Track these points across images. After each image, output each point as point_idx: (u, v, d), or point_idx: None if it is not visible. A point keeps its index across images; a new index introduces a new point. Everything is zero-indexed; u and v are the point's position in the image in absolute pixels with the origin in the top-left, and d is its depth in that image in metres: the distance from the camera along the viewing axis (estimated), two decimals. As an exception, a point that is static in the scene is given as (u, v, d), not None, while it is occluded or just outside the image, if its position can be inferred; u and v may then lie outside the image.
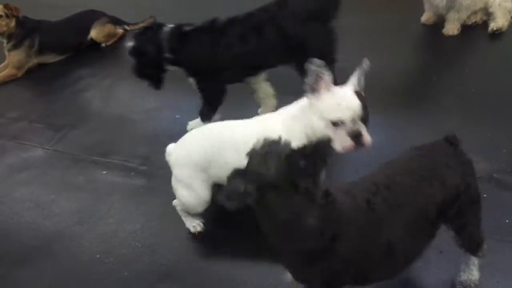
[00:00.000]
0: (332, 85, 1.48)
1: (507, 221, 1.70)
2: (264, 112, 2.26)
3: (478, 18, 2.87)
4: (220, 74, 2.13)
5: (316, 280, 1.19)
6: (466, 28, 2.89)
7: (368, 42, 2.93)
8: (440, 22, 2.96)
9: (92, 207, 2.05)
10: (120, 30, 3.57)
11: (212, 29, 2.08)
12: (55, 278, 1.76)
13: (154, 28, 2.14)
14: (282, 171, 1.00)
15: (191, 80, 2.19)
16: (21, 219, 2.06)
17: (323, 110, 1.46)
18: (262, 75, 2.27)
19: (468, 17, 2.82)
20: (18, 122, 2.77)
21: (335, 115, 1.43)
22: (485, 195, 1.75)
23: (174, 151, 1.73)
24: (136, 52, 2.12)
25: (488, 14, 2.82)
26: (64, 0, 4.48)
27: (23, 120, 2.78)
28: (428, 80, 2.49)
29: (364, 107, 1.48)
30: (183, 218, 1.83)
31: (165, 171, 2.17)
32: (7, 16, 3.10)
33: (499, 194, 1.80)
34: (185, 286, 1.65)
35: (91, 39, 3.44)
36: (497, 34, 2.80)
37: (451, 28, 2.77)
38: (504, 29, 2.76)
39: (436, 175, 1.22)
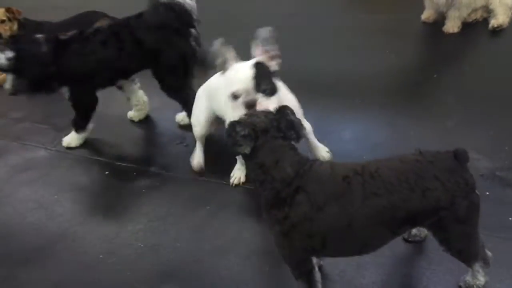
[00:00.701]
0: (233, 61, 1.61)
1: (510, 219, 1.69)
2: (135, 116, 2.59)
3: (478, 15, 2.86)
4: (91, 79, 2.34)
5: (277, 235, 1.30)
6: (466, 26, 2.89)
7: (369, 41, 2.93)
8: (440, 20, 2.95)
9: (95, 208, 2.06)
10: (121, 31, 3.57)
11: (81, 37, 2.29)
12: (58, 278, 1.76)
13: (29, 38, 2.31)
14: (270, 120, 1.27)
15: (65, 90, 2.37)
16: (24, 219, 2.07)
17: (225, 86, 1.63)
18: (137, 84, 2.56)
19: (469, 14, 2.82)
20: (21, 123, 2.78)
21: (230, 89, 1.57)
22: (487, 193, 1.77)
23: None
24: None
25: (488, 11, 2.81)
26: (66, 2, 4.50)
27: (26, 120, 2.80)
28: (428, 78, 2.48)
29: (262, 77, 1.57)
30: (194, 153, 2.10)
31: (166, 171, 2.19)
32: (9, 20, 3.10)
33: (501, 192, 1.80)
34: (188, 287, 1.66)
35: (93, 40, 3.44)
36: (498, 31, 2.79)
37: (452, 26, 2.77)
38: (504, 26, 2.75)
39: (420, 183, 1.23)
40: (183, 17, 2.21)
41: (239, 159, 2.00)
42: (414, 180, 1.23)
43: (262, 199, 1.31)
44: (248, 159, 1.30)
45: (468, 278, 1.45)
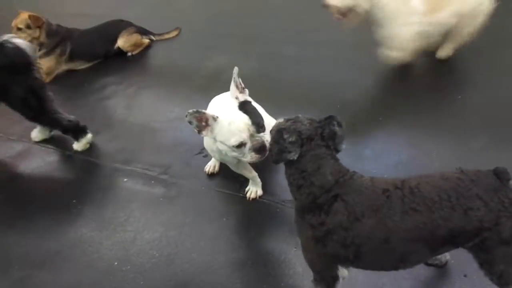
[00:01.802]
0: (214, 116, 1.64)
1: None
2: (37, 136, 2.67)
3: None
4: None
5: (308, 239, 1.30)
6: (490, 47, 2.83)
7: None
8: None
9: (112, 214, 2.07)
10: (146, 40, 3.64)
11: None
12: (72, 282, 1.78)
13: None
14: (315, 127, 1.29)
15: None
16: (43, 222, 2.09)
17: (222, 141, 1.65)
18: None
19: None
20: (44, 127, 2.83)
21: (234, 142, 1.61)
22: None
23: None
24: None
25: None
26: (96, 9, 4.61)
27: (49, 125, 2.84)
28: (452, 99, 2.44)
29: (255, 116, 1.65)
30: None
31: (185, 181, 2.19)
32: (28, 27, 3.16)
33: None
34: (201, 298, 1.64)
35: (118, 47, 3.51)
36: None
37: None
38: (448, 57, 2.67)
39: (462, 202, 1.19)
40: (18, 57, 2.28)
41: (253, 180, 2.01)
42: (456, 198, 1.20)
43: (297, 203, 1.32)
44: (289, 165, 1.32)
45: None
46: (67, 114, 2.48)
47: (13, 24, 3.15)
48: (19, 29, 3.14)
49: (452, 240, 1.25)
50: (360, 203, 1.23)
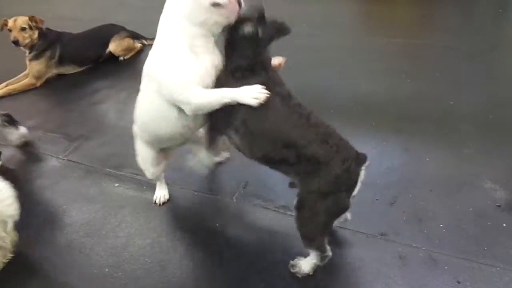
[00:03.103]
0: None
1: (528, 252, 1.64)
2: None
3: None
4: None
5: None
6: (482, 52, 2.87)
7: (384, 64, 2.93)
8: (457, 45, 2.94)
9: (103, 220, 2.04)
10: (138, 44, 3.63)
11: None
12: (62, 290, 1.74)
13: None
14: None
15: None
16: (32, 228, 2.05)
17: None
18: None
19: None
20: (35, 131, 2.79)
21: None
22: (504, 225, 1.72)
23: None
24: None
25: None
26: (87, 14, 4.59)
27: (39, 129, 2.81)
28: (445, 105, 2.46)
29: None
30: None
31: (176, 186, 2.17)
32: (30, 28, 3.17)
33: (519, 224, 1.75)
34: (193, 305, 1.62)
35: (110, 52, 3.49)
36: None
37: None
38: None
39: (323, 132, 1.45)
40: None
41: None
42: (323, 132, 1.44)
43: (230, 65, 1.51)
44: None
45: (301, 261, 1.60)
46: None
47: (11, 25, 3.14)
48: (23, 29, 3.14)
49: (289, 149, 1.41)
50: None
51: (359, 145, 2.27)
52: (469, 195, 1.89)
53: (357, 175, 1.46)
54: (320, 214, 1.45)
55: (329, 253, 1.56)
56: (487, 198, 1.87)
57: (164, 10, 1.55)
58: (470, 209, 1.82)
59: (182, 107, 1.53)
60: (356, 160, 1.45)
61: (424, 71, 2.79)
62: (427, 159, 2.10)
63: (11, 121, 2.59)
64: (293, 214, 1.50)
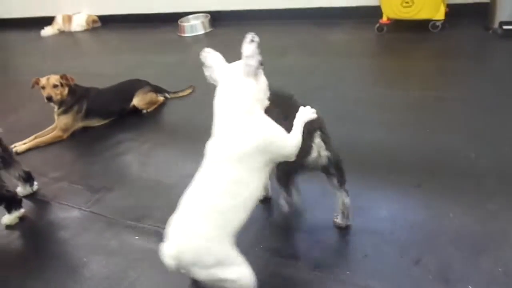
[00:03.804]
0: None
1: None
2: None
3: None
4: None
5: None
6: (502, 104, 2.88)
7: (400, 116, 2.95)
8: (473, 98, 2.96)
9: (123, 273, 2.03)
10: (161, 98, 3.77)
11: None
12: None
13: None
14: None
15: None
16: (52, 281, 2.06)
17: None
18: None
19: None
20: (59, 182, 2.87)
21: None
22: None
23: None
24: None
25: None
26: (112, 69, 4.83)
27: (63, 180, 2.88)
28: (466, 158, 2.44)
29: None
30: None
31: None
32: (61, 85, 3.34)
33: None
34: None
35: (133, 105, 3.63)
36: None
37: None
38: None
39: None
40: None
41: None
42: None
43: None
44: None
45: None
46: (6, 183, 2.50)
47: (44, 83, 3.32)
48: (55, 86, 3.33)
49: None
50: None
51: (380, 199, 2.27)
52: (497, 254, 1.83)
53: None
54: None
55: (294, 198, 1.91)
56: (516, 256, 1.80)
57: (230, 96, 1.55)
58: (500, 269, 1.75)
59: (288, 158, 1.60)
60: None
61: (443, 124, 2.79)
62: (451, 215, 2.06)
63: (28, 179, 2.74)
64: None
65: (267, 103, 1.60)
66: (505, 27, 3.90)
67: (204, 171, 1.57)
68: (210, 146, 1.57)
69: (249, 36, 1.45)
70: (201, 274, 1.47)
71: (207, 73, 1.62)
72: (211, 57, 1.60)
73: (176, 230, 1.51)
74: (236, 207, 1.49)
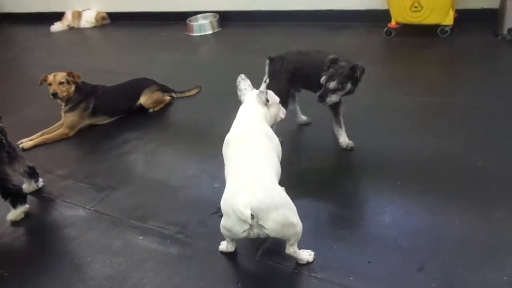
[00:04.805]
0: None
1: None
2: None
3: None
4: None
5: None
6: (509, 111, 2.85)
7: (407, 122, 2.94)
8: (479, 105, 2.94)
9: (126, 274, 2.04)
10: (167, 97, 3.77)
11: None
12: None
13: None
14: None
15: None
16: (56, 278, 2.07)
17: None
18: None
19: None
20: (65, 180, 2.88)
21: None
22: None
23: None
24: None
25: None
26: (120, 67, 4.85)
27: (69, 178, 2.90)
28: (472, 165, 2.42)
29: None
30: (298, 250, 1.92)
31: (200, 241, 2.17)
32: (68, 82, 3.36)
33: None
34: None
35: (140, 104, 3.64)
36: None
37: None
38: None
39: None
40: None
41: None
42: None
43: None
44: None
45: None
46: (12, 178, 2.52)
47: (51, 79, 3.34)
48: (61, 83, 3.34)
49: None
50: None
51: (385, 204, 2.26)
52: (503, 262, 1.81)
53: None
54: None
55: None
56: (521, 267, 1.79)
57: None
58: (505, 278, 1.74)
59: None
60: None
61: (449, 130, 2.78)
62: (456, 222, 2.04)
63: (33, 174, 2.75)
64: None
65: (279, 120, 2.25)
66: (514, 33, 3.87)
67: (243, 149, 1.90)
68: (234, 135, 2.01)
69: (264, 78, 2.07)
70: (273, 216, 1.68)
71: (239, 93, 2.17)
72: (243, 83, 2.17)
73: (246, 184, 1.74)
74: (277, 163, 1.94)
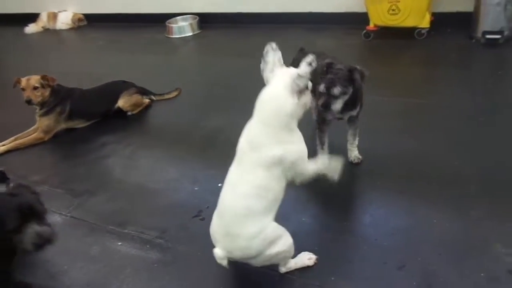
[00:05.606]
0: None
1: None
2: None
3: None
4: None
5: None
6: (485, 112, 2.92)
7: (387, 123, 2.97)
8: (458, 106, 3.00)
9: (105, 280, 1.99)
10: (146, 100, 3.72)
11: None
12: None
13: None
14: None
15: None
16: (31, 288, 2.00)
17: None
18: None
19: None
20: (39, 186, 2.78)
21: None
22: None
23: None
24: None
25: None
26: (97, 69, 4.76)
27: (44, 183, 2.81)
28: (450, 165, 2.46)
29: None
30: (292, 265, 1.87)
31: (181, 246, 2.14)
32: (42, 86, 3.26)
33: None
34: None
35: (118, 107, 3.57)
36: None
37: None
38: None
39: None
40: None
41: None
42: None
43: None
44: None
45: None
46: None
47: (24, 84, 3.23)
48: (35, 88, 3.23)
49: None
50: None
51: (364, 205, 2.28)
52: (480, 260, 1.85)
53: None
54: None
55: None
56: (498, 263, 1.82)
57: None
58: (482, 274, 1.77)
59: (299, 178, 1.77)
60: None
61: (427, 131, 2.82)
62: (434, 221, 2.07)
63: (3, 178, 2.67)
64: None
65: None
66: (487, 36, 3.97)
67: (238, 173, 1.69)
68: (244, 144, 1.69)
69: (310, 58, 1.54)
70: (254, 261, 1.71)
71: (262, 66, 1.68)
72: (272, 54, 1.66)
73: (224, 233, 1.67)
74: (266, 208, 1.66)
